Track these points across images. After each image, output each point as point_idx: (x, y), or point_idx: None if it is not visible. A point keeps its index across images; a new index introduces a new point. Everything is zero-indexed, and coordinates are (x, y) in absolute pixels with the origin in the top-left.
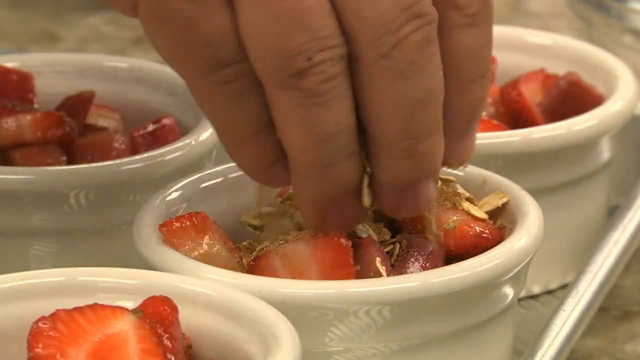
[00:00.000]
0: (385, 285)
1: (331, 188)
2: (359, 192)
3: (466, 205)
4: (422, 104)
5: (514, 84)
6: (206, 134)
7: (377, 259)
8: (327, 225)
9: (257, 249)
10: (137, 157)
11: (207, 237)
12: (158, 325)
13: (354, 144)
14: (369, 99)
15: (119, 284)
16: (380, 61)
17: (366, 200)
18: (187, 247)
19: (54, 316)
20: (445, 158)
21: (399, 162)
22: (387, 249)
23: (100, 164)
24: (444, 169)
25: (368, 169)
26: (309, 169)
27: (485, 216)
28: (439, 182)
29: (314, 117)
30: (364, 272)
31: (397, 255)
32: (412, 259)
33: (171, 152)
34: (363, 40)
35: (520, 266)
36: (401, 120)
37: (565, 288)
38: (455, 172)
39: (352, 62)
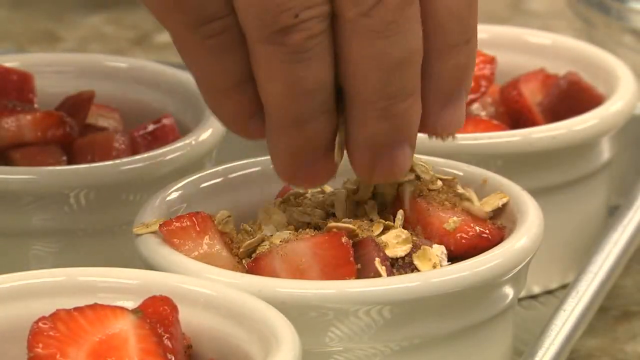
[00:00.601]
0: (385, 285)
1: (305, 143)
2: (331, 149)
3: (466, 205)
4: (400, 64)
5: (514, 83)
6: (206, 134)
7: (377, 259)
8: (298, 180)
9: (257, 249)
10: (137, 157)
11: (207, 237)
12: (158, 325)
13: (330, 101)
14: (348, 56)
15: (119, 284)
16: (361, 19)
17: (338, 156)
18: (187, 247)
19: (54, 316)
20: (432, 127)
21: (375, 122)
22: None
23: (100, 164)
24: (433, 138)
25: (343, 127)
26: (285, 123)
27: (485, 216)
28: (440, 181)
29: (295, 72)
30: (364, 272)
31: None
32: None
33: (171, 152)
34: None
35: (520, 266)
36: (378, 79)
37: (566, 288)
38: (455, 172)
39: (333, 19)
